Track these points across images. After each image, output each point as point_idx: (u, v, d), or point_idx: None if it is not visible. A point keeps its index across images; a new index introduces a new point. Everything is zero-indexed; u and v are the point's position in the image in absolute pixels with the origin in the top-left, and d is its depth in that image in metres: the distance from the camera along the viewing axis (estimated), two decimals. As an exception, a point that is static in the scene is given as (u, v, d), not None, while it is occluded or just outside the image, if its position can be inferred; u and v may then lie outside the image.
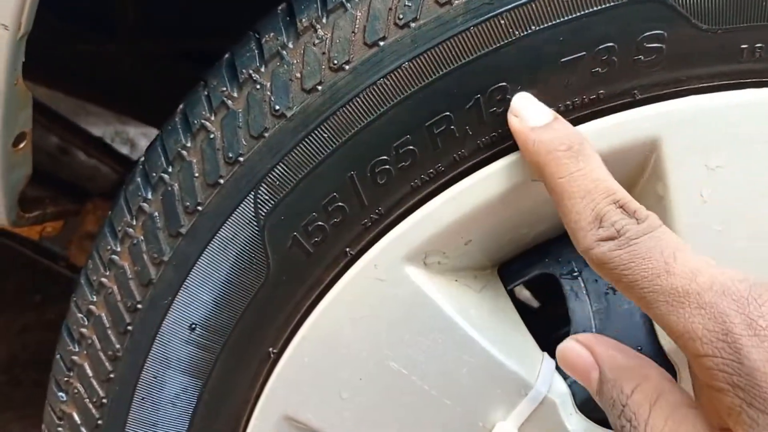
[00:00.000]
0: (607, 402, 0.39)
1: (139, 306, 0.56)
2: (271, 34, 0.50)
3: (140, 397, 0.58)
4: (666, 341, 0.51)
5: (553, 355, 0.51)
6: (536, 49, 0.46)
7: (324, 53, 0.48)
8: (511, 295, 0.57)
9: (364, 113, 0.48)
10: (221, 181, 0.52)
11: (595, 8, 0.45)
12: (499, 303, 0.53)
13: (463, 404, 0.52)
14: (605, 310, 0.53)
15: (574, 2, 0.45)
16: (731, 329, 0.32)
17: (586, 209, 0.40)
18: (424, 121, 0.48)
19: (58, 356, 0.60)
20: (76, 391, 0.59)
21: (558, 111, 0.47)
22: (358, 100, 0.48)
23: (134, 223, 0.55)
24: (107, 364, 0.58)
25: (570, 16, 0.45)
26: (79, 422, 0.60)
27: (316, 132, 0.49)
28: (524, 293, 0.84)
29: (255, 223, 0.52)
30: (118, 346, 0.57)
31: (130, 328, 0.56)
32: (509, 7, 0.45)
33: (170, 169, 0.53)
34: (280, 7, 0.51)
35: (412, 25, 0.47)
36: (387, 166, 0.49)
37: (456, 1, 0.46)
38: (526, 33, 0.45)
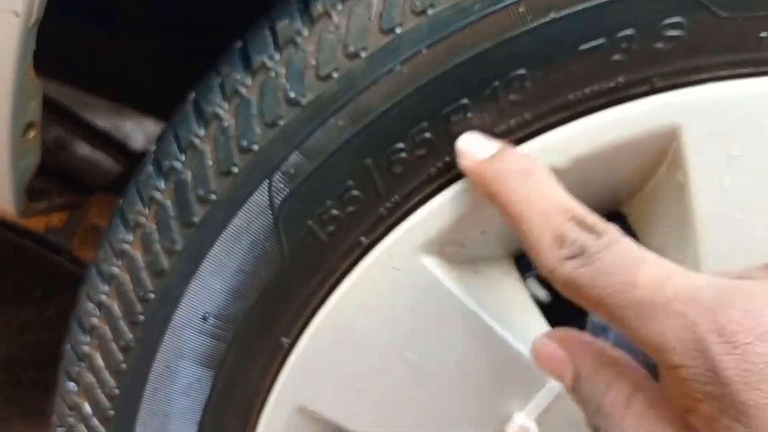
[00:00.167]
0: (581, 400, 0.39)
1: (151, 296, 0.55)
2: (286, 21, 0.50)
3: (152, 388, 0.57)
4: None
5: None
6: (555, 36, 0.45)
7: (339, 40, 0.48)
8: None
9: (380, 101, 0.48)
10: (235, 169, 0.51)
11: (615, -5, 0.44)
12: (516, 293, 0.53)
13: (480, 395, 0.52)
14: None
15: (594, -11, 0.44)
16: (703, 337, 0.31)
17: (545, 230, 0.39)
18: (441, 109, 0.47)
19: (68, 347, 0.60)
20: (87, 381, 0.59)
21: (576, 99, 0.46)
22: (374, 87, 0.48)
23: (146, 212, 0.54)
24: (119, 354, 0.57)
25: (589, 3, 0.45)
26: (90, 413, 0.60)
27: (331, 120, 0.49)
28: (535, 287, 0.84)
29: (269, 213, 0.51)
30: (129, 336, 0.57)
31: (141, 318, 0.56)
32: (528, -7, 0.45)
33: (183, 158, 0.53)
34: (294, -7, 0.51)
35: (429, 12, 0.46)
36: (403, 155, 0.48)
37: (474, -12, 0.45)
38: (545, 20, 0.45)
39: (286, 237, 0.51)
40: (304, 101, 0.49)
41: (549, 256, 0.38)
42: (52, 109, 1.08)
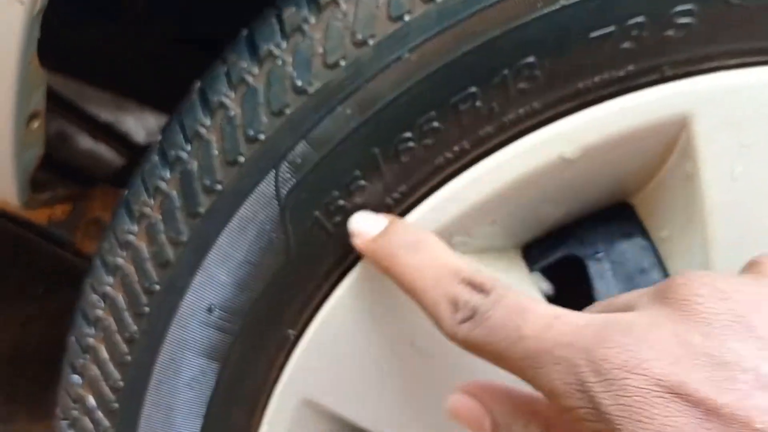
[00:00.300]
0: None
1: (156, 287, 0.55)
2: (293, 8, 0.49)
3: (157, 380, 0.57)
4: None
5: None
6: (565, 23, 0.45)
7: (347, 28, 0.47)
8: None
9: (388, 89, 0.47)
10: (241, 159, 0.51)
11: (626, -19, 0.44)
12: (523, 285, 0.52)
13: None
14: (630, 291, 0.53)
15: (605, -25, 0.44)
16: (584, 379, 0.32)
17: (440, 297, 0.41)
18: (450, 98, 0.47)
19: (73, 339, 0.59)
20: (91, 374, 0.59)
21: (585, 88, 0.46)
22: (382, 75, 0.47)
23: (151, 202, 0.54)
24: (123, 346, 0.57)
25: (600, -10, 0.44)
26: (94, 405, 0.59)
27: (339, 109, 0.48)
28: (539, 280, 0.83)
29: (275, 203, 0.51)
30: (134, 328, 0.56)
31: (146, 309, 0.56)
32: (538, -20, 0.44)
33: (188, 148, 0.52)
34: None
35: (438, -1, 0.46)
36: (411, 144, 0.48)
37: (483, -26, 0.45)
38: (555, 7, 0.45)
39: (292, 227, 0.51)
40: (311, 90, 0.49)
41: (448, 323, 0.40)
42: (54, 101, 1.08)
